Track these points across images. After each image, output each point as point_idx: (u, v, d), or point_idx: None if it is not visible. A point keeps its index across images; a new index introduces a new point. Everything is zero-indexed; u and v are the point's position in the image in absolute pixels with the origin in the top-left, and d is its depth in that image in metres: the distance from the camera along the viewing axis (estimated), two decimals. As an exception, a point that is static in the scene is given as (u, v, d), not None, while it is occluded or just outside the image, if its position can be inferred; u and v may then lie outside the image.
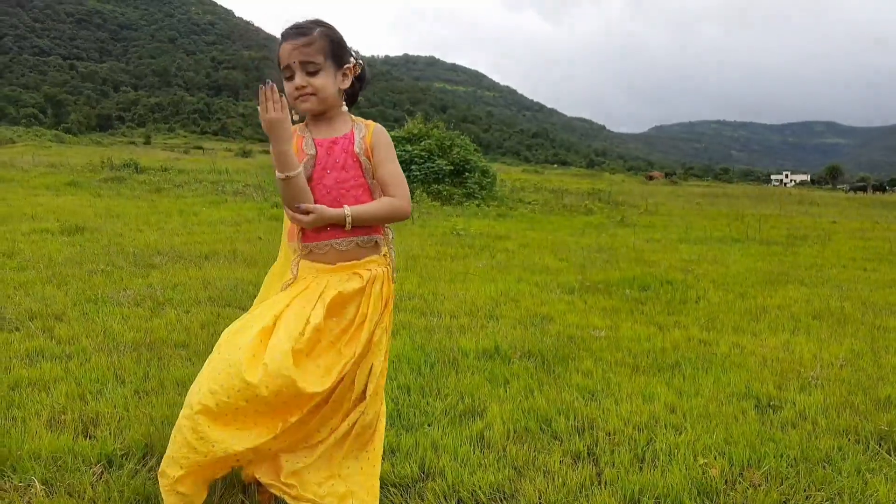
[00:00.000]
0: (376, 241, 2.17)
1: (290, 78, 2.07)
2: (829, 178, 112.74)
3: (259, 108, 1.92)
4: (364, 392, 2.12)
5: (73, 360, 3.63)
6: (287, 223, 2.17)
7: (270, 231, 9.97)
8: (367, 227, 2.14)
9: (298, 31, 2.06)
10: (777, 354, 4.29)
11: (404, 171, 11.74)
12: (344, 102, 2.18)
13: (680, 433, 2.98)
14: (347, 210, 2.03)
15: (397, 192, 2.14)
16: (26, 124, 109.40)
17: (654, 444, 2.86)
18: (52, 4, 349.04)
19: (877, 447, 2.92)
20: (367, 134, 2.16)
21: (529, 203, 18.71)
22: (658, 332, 4.79)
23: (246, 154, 70.62)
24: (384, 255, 2.19)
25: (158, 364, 3.62)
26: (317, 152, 2.10)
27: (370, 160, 2.13)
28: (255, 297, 5.27)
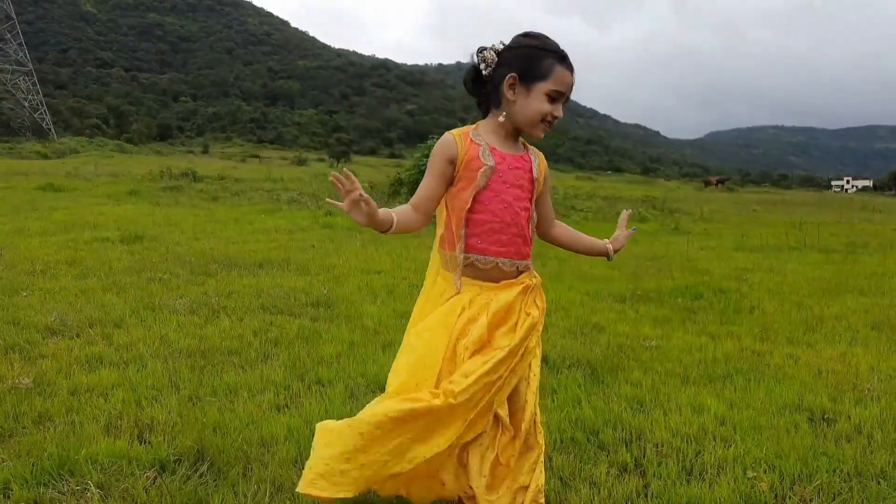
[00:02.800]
0: (528, 265, 2.17)
1: (552, 102, 2.02)
2: (893, 184, 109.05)
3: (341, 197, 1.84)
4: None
5: (130, 366, 3.75)
6: (440, 227, 2.16)
7: (324, 239, 10.12)
8: (526, 248, 2.15)
9: (569, 62, 2.05)
10: (833, 366, 4.19)
11: None
12: None
13: (729, 446, 2.93)
14: (394, 225, 1.97)
15: (552, 217, 2.33)
16: (90, 135, 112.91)
17: (703, 457, 2.83)
18: (114, 18, 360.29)
19: (936, 463, 2.83)
20: (541, 161, 2.18)
21: (582, 210, 18.58)
22: (710, 342, 4.72)
23: (301, 162, 71.66)
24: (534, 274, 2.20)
25: (212, 371, 3.72)
26: (496, 165, 2.05)
27: (538, 187, 2.16)
28: (306, 304, 5.41)
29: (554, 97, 2.00)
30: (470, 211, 2.03)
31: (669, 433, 3.05)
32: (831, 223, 18.15)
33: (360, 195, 1.78)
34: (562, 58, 2.00)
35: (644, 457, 2.84)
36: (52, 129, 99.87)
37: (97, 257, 7.49)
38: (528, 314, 2.09)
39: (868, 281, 7.98)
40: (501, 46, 2.03)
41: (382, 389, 3.47)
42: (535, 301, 2.14)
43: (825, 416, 3.31)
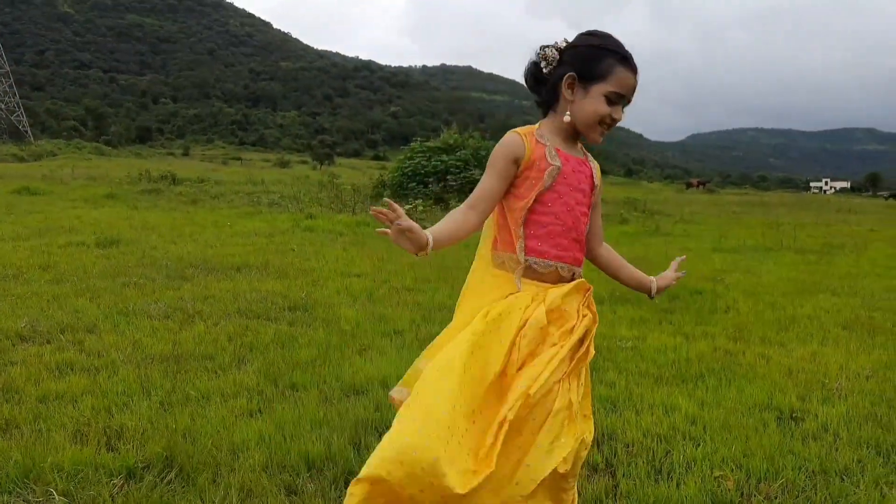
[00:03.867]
0: (580, 271, 2.05)
1: (611, 104, 1.93)
2: (870, 185, 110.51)
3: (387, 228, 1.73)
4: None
5: (101, 372, 3.72)
6: (490, 230, 2.03)
7: (304, 243, 10.09)
8: (581, 253, 2.05)
9: (633, 62, 1.95)
10: (803, 365, 4.24)
11: (439, 181, 11.76)
12: None
13: (698, 445, 2.97)
14: (430, 242, 1.77)
15: (601, 236, 2.19)
16: (67, 137, 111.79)
17: (672, 456, 2.86)
18: (92, 19, 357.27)
19: (899, 460, 2.88)
20: (597, 170, 2.08)
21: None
22: (684, 343, 4.76)
23: (284, 164, 71.36)
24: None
25: (184, 377, 3.70)
26: (562, 166, 1.95)
27: (596, 195, 2.07)
28: (283, 308, 5.40)
29: (613, 99, 1.92)
30: (531, 212, 1.94)
31: (640, 433, 3.07)
32: (808, 224, 18.35)
33: (404, 224, 1.69)
34: (623, 58, 1.91)
35: (615, 456, 2.87)
36: (29, 132, 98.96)
37: (71, 262, 7.42)
38: (584, 315, 1.97)
39: (841, 281, 8.08)
40: (564, 44, 1.97)
41: (357, 393, 3.50)
42: (589, 305, 2.03)
43: (793, 415, 3.36)
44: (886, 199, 65.14)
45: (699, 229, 15.74)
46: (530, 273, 1.95)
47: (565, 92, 1.94)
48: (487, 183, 1.94)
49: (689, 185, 70.42)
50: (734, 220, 20.00)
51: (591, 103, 1.92)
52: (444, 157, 17.42)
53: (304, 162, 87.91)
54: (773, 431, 3.14)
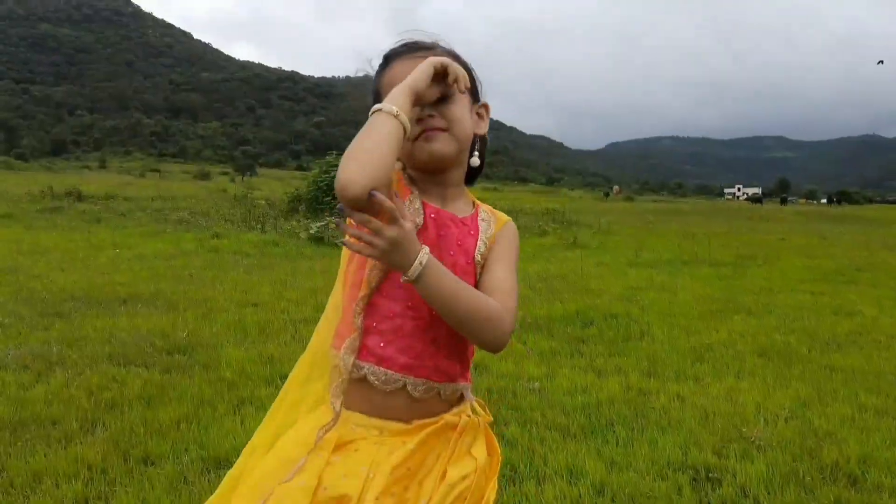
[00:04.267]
0: (462, 393, 1.39)
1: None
2: (780, 190, 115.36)
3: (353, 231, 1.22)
4: None
5: (-82, 448, 3.16)
6: (336, 302, 1.43)
7: (206, 265, 9.50)
8: (463, 368, 1.40)
9: (416, 46, 1.41)
10: (719, 406, 3.98)
11: None
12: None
13: (603, 523, 2.63)
14: (423, 253, 1.20)
15: (503, 299, 1.32)
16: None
17: (573, 540, 2.51)
18: (3, 28, 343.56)
19: (822, 529, 2.60)
20: (496, 229, 1.44)
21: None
22: (596, 381, 4.45)
23: (204, 176, 69.58)
24: (473, 410, 1.40)
25: (20, 451, 3.15)
26: (424, 224, 1.35)
27: (477, 267, 1.39)
28: (161, 350, 4.87)
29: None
30: (376, 292, 1.32)
31: (541, 510, 2.71)
32: (721, 234, 18.63)
33: (407, 226, 1.21)
34: (385, 61, 1.43)
35: (509, 541, 2.50)
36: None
37: (-67, 298, 6.68)
38: (445, 475, 1.28)
39: (756, 298, 8.00)
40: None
41: (220, 466, 3.03)
42: (469, 451, 1.34)
43: (710, 475, 3.05)
44: (782, 204, 68.08)
45: (616, 241, 15.73)
46: (363, 394, 1.30)
47: None
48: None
49: (606, 195, 71.85)
50: (650, 230, 20.16)
51: None
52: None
53: (225, 173, 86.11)
54: (689, 499, 2.83)
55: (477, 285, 1.37)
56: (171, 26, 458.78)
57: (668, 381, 4.51)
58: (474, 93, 1.43)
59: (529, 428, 3.59)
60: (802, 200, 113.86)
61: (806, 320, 6.64)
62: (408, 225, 1.19)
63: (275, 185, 45.70)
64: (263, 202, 19.96)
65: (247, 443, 1.46)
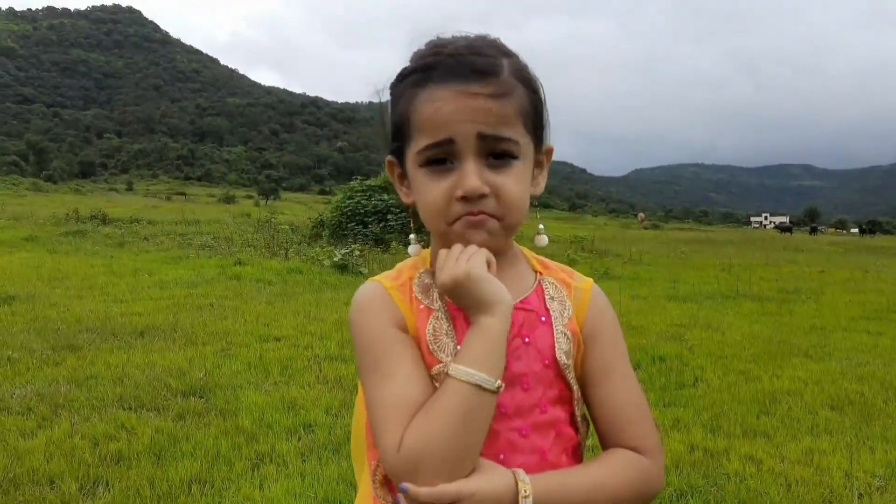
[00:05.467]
0: None
1: (442, 167, 0.92)
2: (808, 220, 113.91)
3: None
4: None
5: None
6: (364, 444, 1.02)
7: (227, 294, 9.17)
8: None
9: (473, 59, 0.90)
10: (801, 473, 3.49)
11: (379, 221, 10.29)
12: None
13: None
14: (524, 484, 0.86)
15: (642, 436, 0.97)
16: (6, 172, 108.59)
17: None
18: (36, 54, 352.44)
19: None
20: (577, 306, 1.02)
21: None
22: (653, 437, 3.99)
23: (229, 200, 70.01)
24: None
25: (8, 517, 2.78)
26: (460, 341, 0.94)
27: (578, 360, 1.00)
28: (176, 392, 4.48)
29: (437, 159, 0.92)
30: None
31: None
32: (759, 265, 18.01)
33: None
34: (422, 73, 0.92)
35: None
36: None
37: (-57, 328, 6.37)
38: None
39: (809, 338, 7.48)
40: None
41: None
42: None
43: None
44: (812, 233, 67.02)
45: (650, 272, 15.22)
46: None
47: (399, 192, 1.04)
48: (394, 387, 0.90)
49: (641, 220, 70.97)
50: (684, 260, 19.62)
51: (419, 193, 0.96)
52: (385, 196, 16.63)
53: (249, 197, 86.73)
54: None
55: (586, 400, 1.00)
56: (198, 52, 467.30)
57: (736, 439, 4.03)
58: (538, 130, 0.98)
59: None
60: (832, 230, 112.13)
61: (873, 366, 6.11)
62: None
63: (298, 209, 45.70)
64: (287, 227, 19.70)
65: None
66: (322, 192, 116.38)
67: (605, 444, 0.99)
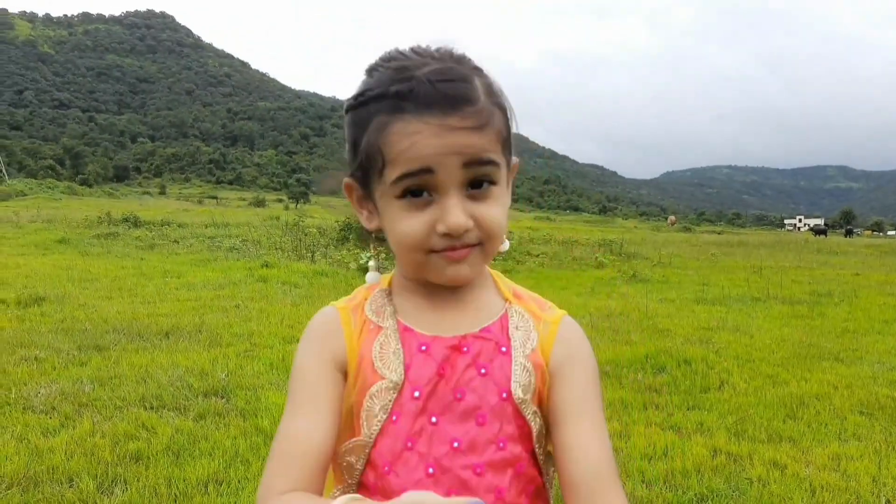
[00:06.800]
0: None
1: (418, 200, 0.87)
2: (844, 222, 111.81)
3: None
4: None
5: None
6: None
7: (254, 296, 9.23)
8: None
9: (450, 87, 0.84)
10: (826, 479, 3.41)
11: None
12: None
13: None
14: None
15: (614, 497, 0.87)
16: (43, 176, 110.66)
17: None
18: (72, 59, 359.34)
19: None
20: (544, 338, 0.96)
21: (537, 256, 17.95)
22: (677, 442, 3.92)
23: (259, 204, 70.55)
24: None
25: (26, 515, 2.80)
26: (407, 371, 0.91)
27: (544, 395, 0.94)
28: (198, 392, 4.51)
29: (415, 189, 0.87)
30: (361, 481, 0.94)
31: None
32: (791, 268, 17.73)
33: None
34: (394, 101, 0.84)
35: None
36: (4, 171, 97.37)
37: (-26, 328, 6.49)
38: None
39: (841, 342, 7.33)
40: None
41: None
42: None
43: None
44: (847, 235, 65.76)
45: (678, 275, 15.04)
46: None
47: (360, 217, 0.98)
48: (293, 423, 0.89)
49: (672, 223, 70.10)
50: (714, 263, 19.36)
51: (392, 223, 0.90)
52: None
53: (279, 200, 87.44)
54: None
55: (546, 448, 0.94)
56: (229, 56, 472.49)
57: (761, 444, 3.95)
58: (509, 149, 0.93)
59: None
60: (868, 232, 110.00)
61: (905, 370, 5.98)
62: None
63: (326, 213, 45.96)
64: (315, 230, 19.83)
65: None
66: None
67: (572, 500, 0.88)
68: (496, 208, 0.89)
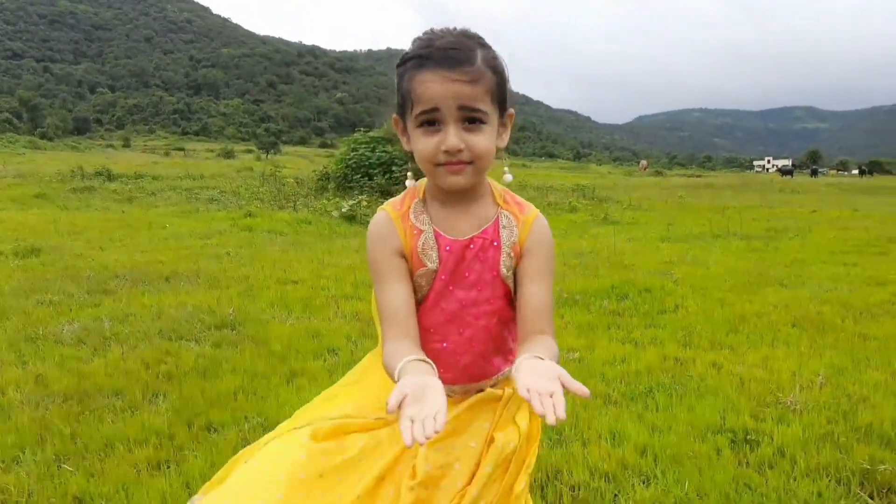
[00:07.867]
0: (508, 375, 1.54)
1: (432, 128, 1.37)
2: (810, 162, 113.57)
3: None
4: None
5: (-6, 417, 3.34)
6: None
7: (241, 244, 9.67)
8: (504, 359, 1.55)
9: (455, 53, 1.34)
10: (755, 374, 4.07)
11: (384, 173, 11.03)
12: None
13: (649, 485, 2.74)
14: None
15: (549, 325, 1.44)
16: (1, 130, 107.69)
17: (620, 500, 2.62)
18: (23, 6, 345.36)
19: (858, 490, 2.70)
20: (521, 232, 1.49)
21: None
22: (634, 352, 4.56)
23: (228, 155, 69.67)
24: None
25: (88, 419, 3.33)
26: (440, 262, 1.46)
27: (506, 275, 1.49)
28: (210, 325, 5.03)
29: (429, 121, 1.37)
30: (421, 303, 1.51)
31: (588, 472, 2.83)
32: (753, 207, 18.52)
33: None
34: (419, 60, 1.36)
35: (560, 502, 2.62)
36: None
37: (-17, 277, 6.91)
38: (493, 441, 1.44)
39: (788, 270, 8.02)
40: None
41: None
42: (513, 419, 1.48)
43: (748, 438, 3.16)
44: (813, 175, 67.14)
45: (647, 216, 15.72)
46: None
47: (402, 142, 1.48)
48: (387, 295, 1.44)
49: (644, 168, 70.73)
50: (681, 204, 20.09)
51: (416, 143, 1.41)
52: (389, 148, 16.97)
53: (249, 151, 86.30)
54: (728, 460, 2.94)
55: (515, 298, 1.49)
56: (190, 1, 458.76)
57: (704, 351, 4.60)
58: (502, 101, 1.43)
59: (572, 395, 3.70)
60: (833, 172, 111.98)
61: (839, 291, 6.68)
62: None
63: (301, 163, 45.96)
64: (292, 180, 20.11)
65: None
66: (323, 146, 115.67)
67: (522, 329, 1.44)
68: (483, 139, 1.40)
